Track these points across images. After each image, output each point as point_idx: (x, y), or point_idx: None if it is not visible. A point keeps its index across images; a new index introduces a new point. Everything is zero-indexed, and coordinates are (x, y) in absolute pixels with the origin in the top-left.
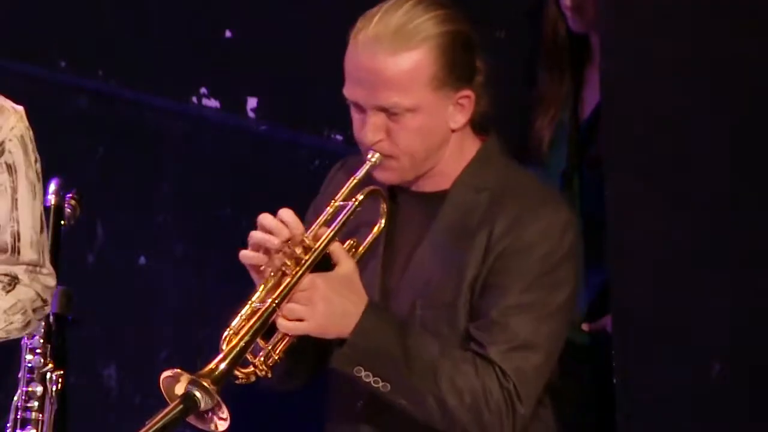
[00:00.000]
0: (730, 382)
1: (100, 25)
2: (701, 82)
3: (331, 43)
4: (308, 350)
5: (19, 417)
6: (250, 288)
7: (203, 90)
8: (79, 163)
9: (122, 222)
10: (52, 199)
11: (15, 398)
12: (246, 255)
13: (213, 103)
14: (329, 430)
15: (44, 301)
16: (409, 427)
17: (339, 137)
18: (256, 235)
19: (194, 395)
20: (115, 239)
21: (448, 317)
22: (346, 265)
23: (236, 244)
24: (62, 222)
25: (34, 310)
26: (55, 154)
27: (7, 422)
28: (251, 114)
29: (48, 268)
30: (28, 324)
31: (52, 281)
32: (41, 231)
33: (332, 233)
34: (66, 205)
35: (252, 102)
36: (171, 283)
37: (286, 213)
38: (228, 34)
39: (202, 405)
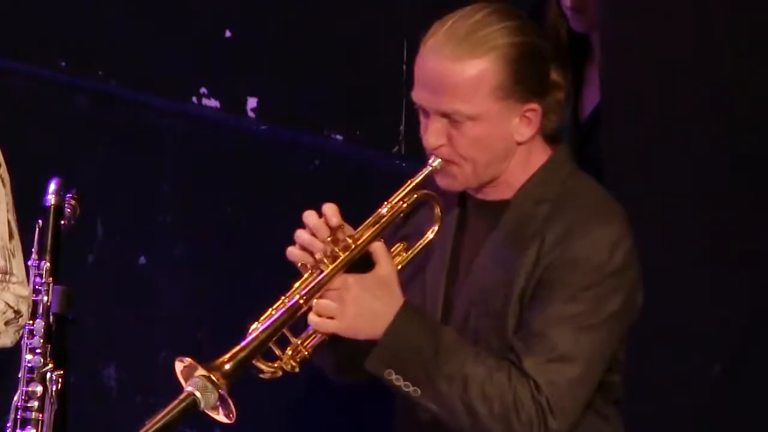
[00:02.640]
0: (730, 382)
1: (100, 25)
2: (701, 82)
3: (332, 43)
4: (362, 345)
5: (19, 417)
6: (250, 287)
7: (203, 90)
8: (79, 163)
9: (122, 222)
10: (52, 199)
11: (15, 398)
12: (292, 253)
13: (213, 103)
14: (397, 421)
15: (17, 312)
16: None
17: (339, 137)
18: (301, 236)
19: (194, 395)
20: (115, 239)
21: (497, 327)
22: (385, 266)
23: (236, 244)
24: (62, 222)
25: (6, 323)
26: (55, 154)
27: (7, 422)
28: (251, 114)
29: (19, 276)
30: None
31: (24, 290)
32: (10, 238)
33: (373, 233)
34: (66, 205)
35: (252, 102)
36: (171, 283)
37: (328, 208)
38: (228, 34)
39: (203, 404)
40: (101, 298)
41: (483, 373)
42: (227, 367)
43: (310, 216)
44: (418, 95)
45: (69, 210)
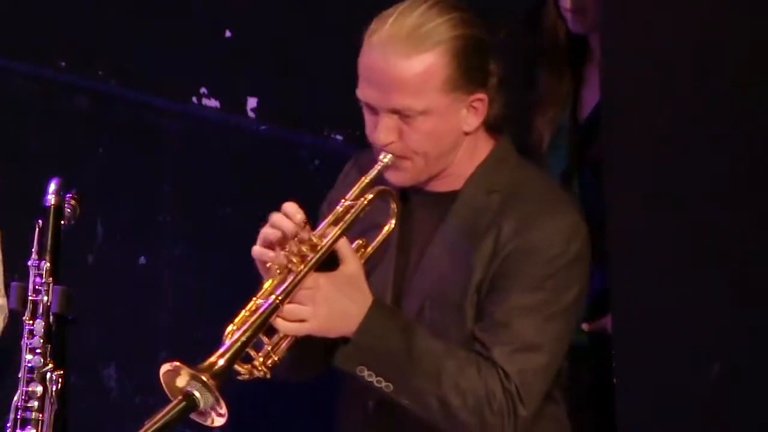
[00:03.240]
0: (730, 382)
1: (100, 25)
2: (701, 82)
3: (332, 43)
4: (317, 342)
5: (19, 417)
6: (250, 287)
7: (203, 90)
8: (79, 163)
9: (122, 222)
10: (52, 199)
11: (15, 398)
12: (255, 250)
13: (213, 103)
14: (339, 427)
15: None
16: (420, 427)
17: (339, 137)
18: (263, 230)
19: (194, 395)
20: (115, 239)
21: (456, 318)
22: (351, 264)
23: (236, 244)
24: (62, 222)
25: None
26: (55, 154)
27: (7, 422)
28: (251, 114)
29: None
30: None
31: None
32: None
33: (339, 231)
34: (66, 205)
35: (252, 102)
36: (171, 283)
37: (289, 206)
38: (228, 34)
39: (202, 404)
40: (101, 298)
41: (454, 367)
42: (216, 367)
43: (274, 214)
44: (366, 93)
45: (69, 210)
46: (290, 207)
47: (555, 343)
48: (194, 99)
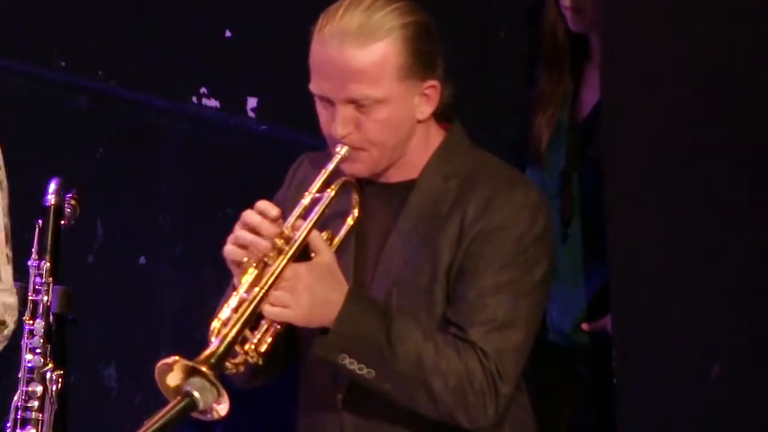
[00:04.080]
0: (730, 382)
1: (100, 25)
2: (701, 82)
3: None
4: (278, 348)
5: (19, 417)
6: None
7: (203, 90)
8: (79, 163)
9: (122, 222)
10: (52, 199)
11: (15, 398)
12: (227, 250)
13: (213, 103)
14: (305, 423)
15: (2, 323)
16: (390, 417)
17: None
18: (238, 231)
19: (193, 394)
20: (115, 239)
21: (426, 304)
22: (325, 254)
23: None
24: (62, 222)
25: None
26: (55, 154)
27: (7, 422)
28: (251, 114)
29: (6, 284)
30: None
31: (10, 298)
32: (6, 243)
33: (311, 223)
34: (66, 205)
35: (252, 102)
36: (171, 283)
37: (263, 203)
38: (228, 34)
39: (202, 404)
40: (101, 298)
41: (433, 350)
42: (213, 359)
43: (250, 214)
44: (322, 86)
45: (69, 210)
46: (264, 204)
47: (529, 319)
48: (194, 99)
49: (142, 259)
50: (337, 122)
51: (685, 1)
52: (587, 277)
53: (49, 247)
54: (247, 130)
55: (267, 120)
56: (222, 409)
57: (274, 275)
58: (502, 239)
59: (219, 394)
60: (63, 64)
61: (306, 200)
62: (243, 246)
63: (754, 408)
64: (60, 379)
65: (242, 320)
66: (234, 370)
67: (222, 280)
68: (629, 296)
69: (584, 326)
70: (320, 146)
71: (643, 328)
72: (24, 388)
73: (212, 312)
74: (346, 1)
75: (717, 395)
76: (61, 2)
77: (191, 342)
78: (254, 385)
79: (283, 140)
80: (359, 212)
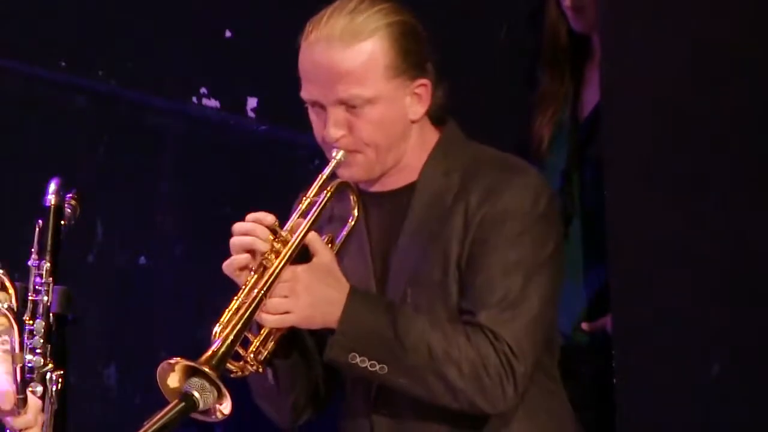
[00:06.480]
0: (730, 382)
1: (100, 25)
2: (701, 82)
3: None
4: (318, 380)
5: None
6: None
7: (203, 90)
8: (79, 163)
9: (122, 222)
10: (52, 199)
11: None
12: (225, 265)
13: (213, 103)
14: (342, 426)
15: None
16: (421, 416)
17: None
18: (236, 243)
19: (193, 395)
20: (115, 239)
21: (442, 298)
22: (324, 254)
23: None
24: (62, 222)
25: None
26: (55, 154)
27: None
28: (251, 114)
29: None
30: None
31: None
32: None
33: (308, 225)
34: (66, 205)
35: (252, 102)
36: (171, 283)
37: (258, 213)
38: (228, 34)
39: (202, 404)
40: (101, 298)
41: (442, 338)
42: (214, 360)
43: (242, 222)
44: (312, 92)
45: (69, 210)
46: (258, 213)
47: (542, 295)
48: (194, 99)
49: (142, 259)
50: (329, 125)
51: (685, 1)
52: (587, 277)
53: (49, 247)
54: (247, 130)
55: (267, 120)
56: (224, 409)
57: (273, 276)
58: (506, 220)
59: (220, 395)
60: (63, 64)
61: (303, 204)
62: (240, 250)
63: (754, 408)
64: (60, 379)
65: (242, 321)
66: (239, 374)
67: (222, 280)
68: (629, 296)
69: (584, 326)
70: (320, 146)
71: (643, 328)
72: None
73: (212, 312)
74: (330, 8)
75: (717, 395)
76: (61, 2)
77: (191, 342)
78: (300, 422)
79: (283, 140)
80: (359, 212)
